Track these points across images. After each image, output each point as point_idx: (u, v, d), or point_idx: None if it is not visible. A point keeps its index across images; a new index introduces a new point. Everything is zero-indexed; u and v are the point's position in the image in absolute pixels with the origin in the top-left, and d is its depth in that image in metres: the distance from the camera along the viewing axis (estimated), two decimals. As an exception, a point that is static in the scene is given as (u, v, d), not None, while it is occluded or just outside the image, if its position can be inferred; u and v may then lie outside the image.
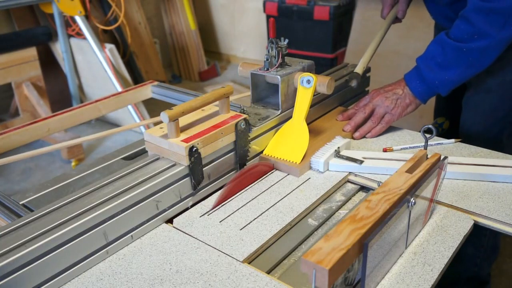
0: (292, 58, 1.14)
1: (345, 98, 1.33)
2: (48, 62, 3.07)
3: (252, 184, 0.98)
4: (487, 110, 1.20)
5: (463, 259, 1.34)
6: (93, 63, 2.91)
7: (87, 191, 0.82)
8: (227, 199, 0.93)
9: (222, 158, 0.96)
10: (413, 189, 0.72)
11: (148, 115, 2.84)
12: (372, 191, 0.97)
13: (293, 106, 1.08)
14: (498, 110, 1.19)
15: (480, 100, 1.21)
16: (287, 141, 1.05)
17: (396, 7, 1.30)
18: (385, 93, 1.15)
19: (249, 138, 1.00)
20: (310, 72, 1.08)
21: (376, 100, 1.15)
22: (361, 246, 0.62)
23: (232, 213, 0.89)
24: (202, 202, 0.93)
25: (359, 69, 1.23)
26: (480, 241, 1.32)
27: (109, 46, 2.85)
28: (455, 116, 1.38)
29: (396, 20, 1.32)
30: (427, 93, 1.12)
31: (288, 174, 1.01)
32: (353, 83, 1.21)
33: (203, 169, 0.91)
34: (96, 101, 1.33)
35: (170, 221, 0.88)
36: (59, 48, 2.97)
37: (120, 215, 0.78)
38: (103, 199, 0.78)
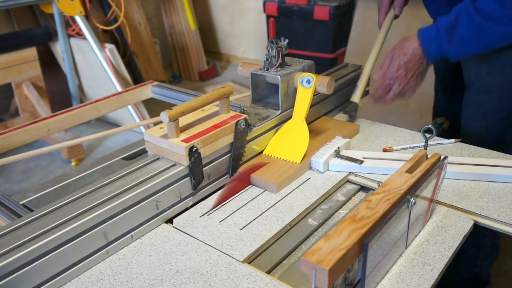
0: (292, 58, 1.14)
1: (345, 98, 1.32)
2: (48, 62, 3.07)
3: (252, 184, 0.98)
4: (488, 111, 1.20)
5: (463, 260, 1.34)
6: (93, 63, 2.91)
7: (87, 191, 0.82)
8: (227, 199, 0.93)
9: (222, 158, 0.96)
10: (413, 189, 0.72)
11: (148, 115, 2.84)
12: (372, 191, 0.97)
13: (293, 106, 1.08)
14: (499, 111, 1.18)
15: (481, 100, 1.20)
16: (287, 141, 1.05)
17: (391, 14, 1.28)
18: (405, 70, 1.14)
19: (246, 140, 1.00)
20: (310, 72, 1.08)
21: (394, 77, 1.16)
22: (361, 246, 0.62)
23: (232, 213, 0.89)
24: (202, 202, 0.93)
25: (356, 98, 1.20)
26: (480, 241, 1.32)
27: (109, 46, 2.85)
28: (455, 116, 1.38)
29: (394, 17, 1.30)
30: (438, 57, 1.13)
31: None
32: (351, 114, 1.18)
33: (203, 169, 0.91)
34: (96, 101, 1.33)
35: (170, 221, 0.88)
36: (59, 48, 2.97)
37: (120, 215, 0.78)
38: (103, 199, 0.78)
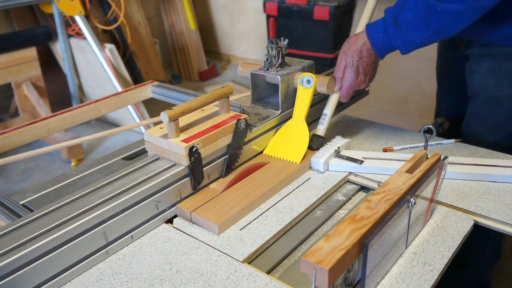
0: (292, 58, 1.14)
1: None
2: (48, 62, 3.07)
3: (252, 184, 0.98)
4: (496, 124, 1.17)
5: (465, 266, 1.34)
6: (93, 63, 2.91)
7: (87, 191, 0.81)
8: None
9: (222, 158, 0.96)
10: (413, 189, 0.72)
11: (148, 115, 2.83)
12: (372, 191, 0.97)
13: (293, 106, 1.08)
14: (508, 124, 1.16)
15: (489, 113, 1.17)
16: (287, 141, 1.05)
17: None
18: (356, 68, 1.06)
19: (244, 140, 0.99)
20: (310, 72, 1.08)
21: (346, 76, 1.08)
22: (361, 246, 0.62)
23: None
24: (202, 202, 0.93)
25: (322, 131, 1.11)
26: (483, 250, 1.31)
27: (109, 46, 2.84)
28: (457, 116, 1.37)
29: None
30: (386, 50, 1.04)
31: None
32: (315, 147, 1.08)
33: (203, 169, 0.91)
34: (96, 101, 1.33)
35: (170, 221, 0.88)
36: (59, 48, 2.97)
37: (120, 215, 0.78)
38: (103, 199, 0.78)
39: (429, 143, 0.89)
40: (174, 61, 4.09)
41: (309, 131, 1.06)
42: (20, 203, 0.96)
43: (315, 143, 1.08)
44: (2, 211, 0.88)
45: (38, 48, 2.82)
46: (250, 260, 0.78)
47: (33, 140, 1.21)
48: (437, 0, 0.93)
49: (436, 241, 0.79)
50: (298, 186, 0.97)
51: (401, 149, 1.09)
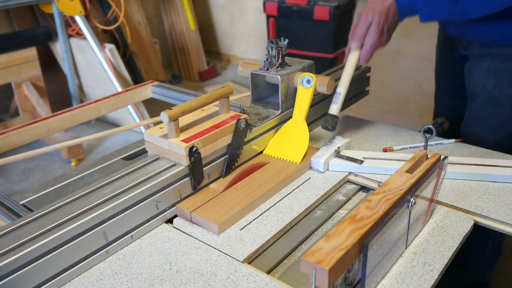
0: (292, 58, 1.14)
1: (345, 98, 1.32)
2: (48, 62, 3.07)
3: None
4: (496, 124, 1.17)
5: (465, 267, 1.35)
6: (93, 63, 2.91)
7: (87, 191, 0.81)
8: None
9: (222, 158, 0.96)
10: (413, 189, 0.72)
11: (148, 115, 2.84)
12: (372, 191, 0.97)
13: (293, 106, 1.08)
14: (508, 124, 1.16)
15: (488, 113, 1.17)
16: (287, 141, 1.05)
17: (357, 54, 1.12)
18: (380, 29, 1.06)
19: (244, 140, 0.99)
20: (310, 72, 1.08)
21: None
22: (361, 246, 0.62)
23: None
24: (202, 202, 0.93)
25: (336, 110, 1.08)
26: (483, 250, 1.32)
27: (109, 46, 2.85)
28: (456, 116, 1.37)
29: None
30: (408, 13, 1.05)
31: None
32: (329, 126, 1.06)
33: (203, 169, 0.91)
34: (96, 101, 1.33)
35: (170, 221, 0.88)
36: (59, 48, 2.97)
37: (120, 215, 0.78)
38: (103, 199, 0.78)
39: (429, 143, 0.89)
40: (174, 61, 4.09)
41: (309, 131, 1.06)
42: (20, 203, 0.96)
43: (330, 123, 1.06)
44: (2, 211, 0.88)
45: (38, 48, 2.82)
46: (250, 260, 0.78)
47: (33, 140, 1.21)
48: None
49: (436, 241, 0.79)
50: (298, 186, 0.97)
51: (401, 149, 1.09)
